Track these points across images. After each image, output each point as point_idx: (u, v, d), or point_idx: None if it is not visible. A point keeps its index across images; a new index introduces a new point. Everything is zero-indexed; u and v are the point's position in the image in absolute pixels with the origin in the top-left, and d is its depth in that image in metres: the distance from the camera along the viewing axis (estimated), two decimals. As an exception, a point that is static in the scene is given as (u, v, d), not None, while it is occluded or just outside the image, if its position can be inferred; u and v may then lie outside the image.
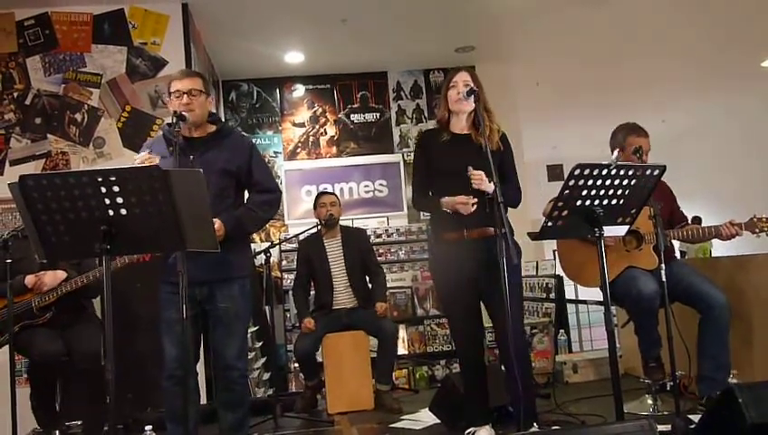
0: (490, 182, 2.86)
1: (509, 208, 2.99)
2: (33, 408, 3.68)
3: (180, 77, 2.93)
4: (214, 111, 3.08)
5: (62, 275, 3.60)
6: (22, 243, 3.42)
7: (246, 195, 3.11)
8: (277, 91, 6.85)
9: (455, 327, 3.27)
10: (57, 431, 3.47)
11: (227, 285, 2.91)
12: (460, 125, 3.16)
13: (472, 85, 3.04)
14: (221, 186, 2.91)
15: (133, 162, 2.70)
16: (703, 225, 3.64)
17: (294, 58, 6.37)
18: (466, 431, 3.19)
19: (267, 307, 4.99)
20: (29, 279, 3.55)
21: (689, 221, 3.80)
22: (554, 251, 3.78)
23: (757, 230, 3.31)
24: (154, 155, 2.75)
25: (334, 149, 6.82)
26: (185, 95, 2.85)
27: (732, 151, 9.76)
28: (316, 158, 6.80)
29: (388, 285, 5.28)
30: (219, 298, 2.89)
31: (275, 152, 6.74)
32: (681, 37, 6.46)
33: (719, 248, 6.27)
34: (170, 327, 2.81)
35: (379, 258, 5.13)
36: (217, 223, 2.75)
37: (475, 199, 2.91)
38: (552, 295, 5.51)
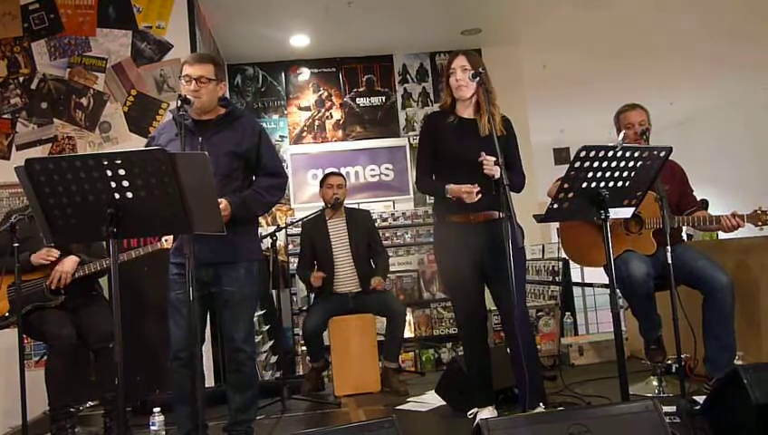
0: (495, 165, 2.87)
1: (514, 192, 2.99)
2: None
3: (191, 62, 2.89)
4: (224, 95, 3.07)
5: (76, 259, 3.62)
6: (29, 224, 3.45)
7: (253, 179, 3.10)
8: (283, 74, 6.83)
9: (457, 309, 3.27)
10: (71, 409, 3.51)
11: (233, 268, 2.92)
12: (466, 109, 3.15)
13: (469, 68, 3.02)
14: (229, 168, 2.91)
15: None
16: (710, 210, 3.61)
17: (300, 41, 6.34)
18: (469, 412, 3.22)
19: (274, 291, 5.01)
20: (35, 258, 3.56)
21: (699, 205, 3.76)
22: (557, 229, 3.77)
23: (760, 223, 3.25)
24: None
25: (340, 133, 6.81)
26: (194, 81, 2.84)
27: (741, 137, 9.69)
28: (322, 142, 6.78)
29: (395, 269, 5.30)
30: (225, 281, 2.91)
31: (281, 136, 6.73)
32: (697, 12, 6.30)
33: (727, 231, 6.23)
34: (176, 308, 2.84)
35: (385, 242, 5.14)
36: (223, 202, 2.75)
37: (479, 188, 2.91)
38: (559, 278, 5.52)
